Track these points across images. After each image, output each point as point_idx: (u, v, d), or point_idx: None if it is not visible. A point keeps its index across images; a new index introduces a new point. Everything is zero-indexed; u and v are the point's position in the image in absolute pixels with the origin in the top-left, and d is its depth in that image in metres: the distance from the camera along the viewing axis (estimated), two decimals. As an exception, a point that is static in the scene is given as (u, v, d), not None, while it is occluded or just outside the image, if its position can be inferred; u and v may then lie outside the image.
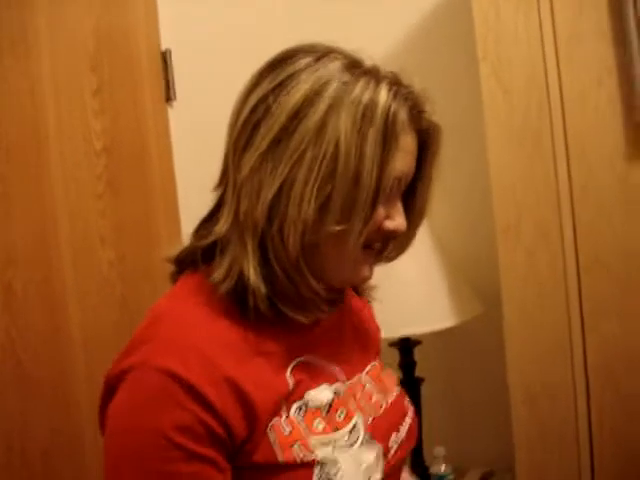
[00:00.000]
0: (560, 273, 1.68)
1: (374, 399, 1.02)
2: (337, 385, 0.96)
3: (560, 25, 1.63)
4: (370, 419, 0.98)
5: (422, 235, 1.92)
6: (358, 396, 0.99)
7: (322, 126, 0.84)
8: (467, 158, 2.01)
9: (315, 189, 0.84)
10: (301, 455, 0.87)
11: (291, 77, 0.87)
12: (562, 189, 1.65)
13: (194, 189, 1.91)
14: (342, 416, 0.94)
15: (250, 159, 0.87)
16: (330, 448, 0.89)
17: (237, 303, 0.89)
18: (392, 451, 0.99)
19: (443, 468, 1.97)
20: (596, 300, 1.68)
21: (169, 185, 1.85)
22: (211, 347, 0.85)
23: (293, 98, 0.86)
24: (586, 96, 1.62)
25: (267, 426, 0.86)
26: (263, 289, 0.87)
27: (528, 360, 1.78)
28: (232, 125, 0.92)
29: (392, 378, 1.10)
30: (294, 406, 0.90)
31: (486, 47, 1.67)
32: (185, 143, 1.91)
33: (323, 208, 0.85)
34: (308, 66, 0.88)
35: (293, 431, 0.88)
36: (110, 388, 0.86)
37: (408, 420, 1.06)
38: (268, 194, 0.85)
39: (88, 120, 1.68)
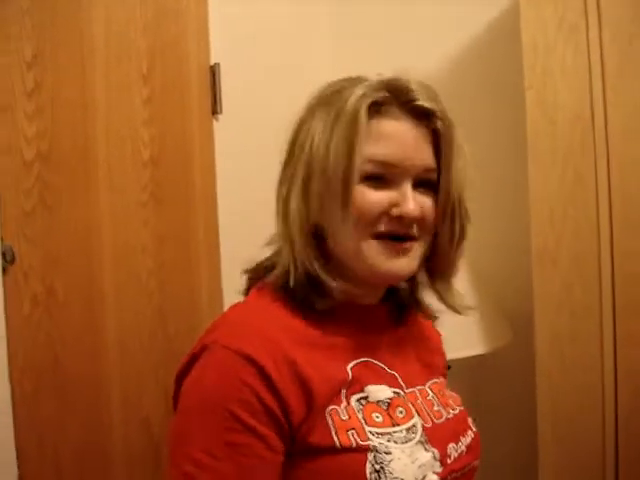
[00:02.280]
0: (596, 305, 1.68)
1: (435, 408, 1.05)
2: (397, 389, 1.01)
3: (608, 58, 1.64)
4: (429, 424, 1.01)
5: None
6: (419, 402, 1.03)
7: (304, 139, 0.97)
8: (507, 183, 2.02)
9: (299, 189, 0.97)
10: (356, 440, 0.92)
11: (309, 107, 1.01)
12: (602, 222, 1.65)
13: (235, 202, 1.95)
14: (402, 414, 0.98)
15: (281, 173, 1.02)
16: (385, 439, 0.94)
17: (297, 298, 0.98)
18: (450, 459, 1.01)
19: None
20: (630, 335, 1.68)
21: (210, 197, 1.88)
22: (274, 329, 0.93)
23: (296, 122, 1.01)
24: (631, 130, 1.62)
25: (325, 410, 0.92)
26: (293, 281, 0.96)
27: (558, 391, 1.77)
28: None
29: (456, 399, 1.12)
30: (354, 397, 0.95)
31: (533, 76, 1.68)
32: (228, 156, 1.94)
33: (308, 205, 0.96)
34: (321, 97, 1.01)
35: (350, 419, 0.93)
36: (185, 367, 0.95)
37: (470, 434, 1.08)
38: (280, 203, 0.99)
39: (137, 129, 1.71)
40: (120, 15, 1.70)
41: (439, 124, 0.98)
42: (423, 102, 0.97)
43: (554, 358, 1.75)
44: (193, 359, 0.94)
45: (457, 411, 1.08)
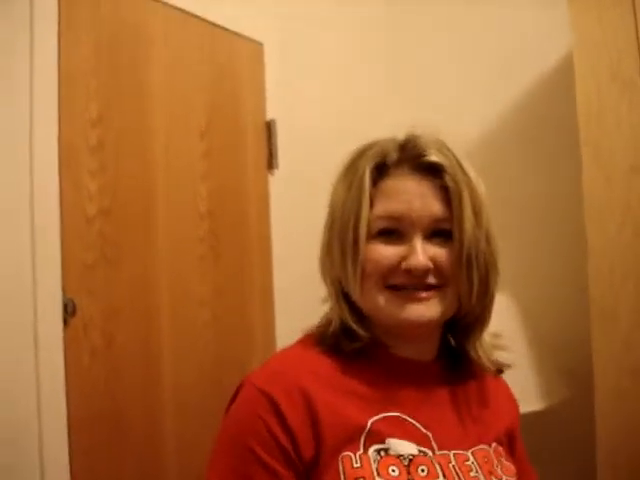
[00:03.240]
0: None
1: (472, 474, 1.01)
2: (425, 449, 0.98)
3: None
4: None
5: (511, 313, 1.94)
6: (451, 465, 0.99)
7: (332, 201, 1.03)
8: (565, 240, 2.00)
9: (325, 248, 1.04)
10: None
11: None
12: (662, 279, 1.62)
13: (289, 256, 1.97)
14: (424, 473, 0.95)
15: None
16: None
17: (328, 343, 1.02)
18: None
19: None
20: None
21: (265, 251, 1.90)
22: (301, 372, 0.98)
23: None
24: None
25: (339, 455, 0.93)
26: (332, 329, 1.02)
27: (619, 451, 1.73)
28: None
29: (510, 469, 1.08)
30: (373, 447, 0.94)
31: (588, 132, 1.67)
32: (283, 210, 1.96)
33: (331, 263, 1.03)
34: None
35: (362, 467, 0.92)
36: (229, 403, 1.02)
37: None
38: (321, 254, 1.06)
39: (195, 183, 1.75)
40: (179, 73, 1.75)
41: (447, 178, 1.01)
42: (430, 157, 1.01)
43: (614, 417, 1.71)
44: (235, 396, 1.01)
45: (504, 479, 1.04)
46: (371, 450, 0.94)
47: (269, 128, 1.97)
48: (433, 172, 1.01)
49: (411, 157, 1.02)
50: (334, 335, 1.02)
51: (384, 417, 0.97)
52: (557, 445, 2.15)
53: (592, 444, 1.74)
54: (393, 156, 1.02)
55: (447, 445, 1.01)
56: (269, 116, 1.98)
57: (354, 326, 1.01)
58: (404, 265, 0.99)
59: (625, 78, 1.67)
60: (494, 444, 1.08)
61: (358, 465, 0.92)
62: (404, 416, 0.99)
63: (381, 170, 1.01)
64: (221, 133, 1.83)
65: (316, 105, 2.09)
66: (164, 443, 1.65)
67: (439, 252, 1.00)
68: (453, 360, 1.09)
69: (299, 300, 1.95)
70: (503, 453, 1.08)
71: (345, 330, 1.02)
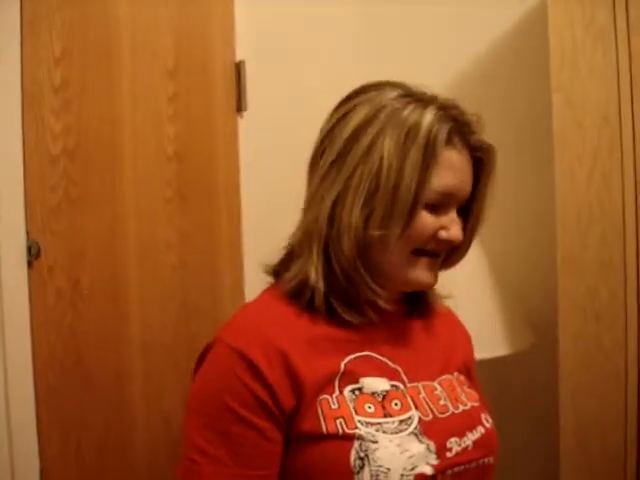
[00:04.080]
0: (621, 310, 1.66)
1: (442, 402, 1.06)
2: (397, 382, 1.03)
3: (637, 59, 1.61)
4: (429, 417, 1.02)
5: (478, 260, 1.95)
6: (421, 396, 1.04)
7: (371, 146, 0.98)
8: (534, 187, 2.01)
9: (362, 201, 0.98)
10: (343, 428, 0.96)
11: (353, 108, 1.02)
12: (629, 227, 1.63)
13: (258, 199, 1.95)
14: (398, 406, 1.01)
15: (316, 178, 1.03)
16: (374, 429, 0.97)
17: (300, 300, 1.02)
18: (451, 452, 1.01)
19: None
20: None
21: (234, 194, 1.88)
22: (271, 327, 0.99)
23: (349, 125, 1.01)
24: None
25: (317, 400, 0.97)
26: (322, 287, 1.00)
27: (581, 394, 1.76)
28: (311, 155, 1.07)
29: (472, 395, 1.12)
30: (348, 387, 0.99)
31: (560, 79, 1.66)
32: (252, 153, 1.94)
33: (368, 216, 0.98)
34: (367, 99, 1.02)
35: (340, 407, 0.97)
36: (197, 363, 1.03)
37: (481, 430, 1.08)
38: (328, 203, 1.00)
39: (163, 124, 1.72)
40: (146, 13, 1.71)
41: (486, 158, 1.04)
42: (480, 137, 1.03)
43: (577, 362, 1.73)
44: (204, 354, 1.02)
45: (468, 406, 1.09)
46: (346, 391, 0.99)
47: (238, 70, 1.93)
48: (474, 149, 1.03)
49: (464, 131, 1.02)
50: (309, 292, 1.00)
51: (356, 357, 1.02)
52: (521, 390, 2.18)
53: (555, 389, 1.77)
54: (451, 124, 1.00)
55: (416, 377, 1.06)
56: (239, 57, 1.93)
57: (372, 285, 1.01)
58: (444, 235, 1.02)
59: (599, 24, 1.65)
60: (456, 373, 1.14)
61: (336, 406, 0.97)
62: (374, 354, 1.04)
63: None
64: (189, 74, 1.79)
65: (287, 47, 2.05)
66: (131, 382, 1.66)
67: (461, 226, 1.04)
68: (411, 299, 1.14)
69: (268, 245, 1.95)
70: (465, 381, 1.14)
71: (339, 290, 1.01)
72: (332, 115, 1.05)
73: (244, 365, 0.94)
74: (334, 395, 0.98)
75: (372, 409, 0.99)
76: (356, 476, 0.94)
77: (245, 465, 0.94)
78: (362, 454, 0.95)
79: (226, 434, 0.95)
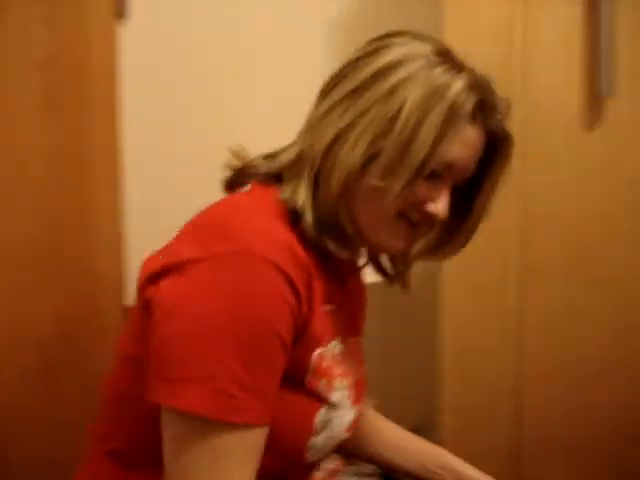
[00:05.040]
0: (501, 228, 1.68)
1: (354, 366, 1.07)
2: (341, 343, 1.03)
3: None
4: (353, 382, 1.05)
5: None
6: (351, 352, 1.07)
7: (393, 90, 0.93)
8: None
9: (368, 140, 0.92)
10: (322, 390, 0.95)
11: (385, 46, 0.97)
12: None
13: (142, 113, 1.84)
14: (346, 370, 1.02)
15: (326, 104, 0.98)
16: (340, 395, 0.98)
17: (297, 226, 0.95)
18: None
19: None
20: (537, 262, 1.69)
21: (111, 107, 1.76)
22: (296, 247, 0.90)
23: (378, 61, 0.96)
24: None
25: (313, 349, 0.93)
26: (309, 216, 0.94)
27: (462, 320, 1.78)
28: (327, 81, 1.02)
29: (363, 366, 1.15)
30: (331, 343, 0.99)
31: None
32: (135, 65, 1.81)
33: (370, 160, 0.93)
34: (403, 42, 0.98)
35: (328, 368, 0.96)
36: (167, 270, 0.88)
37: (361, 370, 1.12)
38: (329, 133, 0.94)
39: (31, 27, 1.58)
40: None
41: (502, 147, 1.00)
42: (503, 122, 0.99)
43: (459, 285, 1.75)
44: (180, 264, 0.87)
45: (360, 376, 1.11)
46: (329, 346, 0.98)
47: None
48: (493, 133, 0.99)
49: (488, 111, 0.97)
50: (319, 228, 0.95)
51: (331, 309, 1.00)
52: (402, 315, 2.19)
53: (436, 315, 1.78)
54: (478, 97, 0.96)
55: (349, 333, 1.08)
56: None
57: (347, 226, 0.97)
58: (432, 207, 0.97)
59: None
60: (358, 337, 1.16)
61: (326, 364, 0.96)
62: (338, 308, 1.02)
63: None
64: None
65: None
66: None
67: (448, 205, 0.99)
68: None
69: (151, 161, 1.85)
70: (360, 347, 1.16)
71: (325, 223, 0.96)
72: (362, 47, 1.00)
73: (290, 290, 0.86)
74: (327, 349, 0.96)
75: (340, 370, 0.99)
76: (313, 437, 0.93)
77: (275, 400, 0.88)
78: (326, 418, 0.95)
79: (273, 366, 0.86)
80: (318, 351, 0.94)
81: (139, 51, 1.84)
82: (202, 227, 0.93)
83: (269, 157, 1.04)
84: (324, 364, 0.95)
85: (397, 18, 1.99)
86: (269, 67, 2.01)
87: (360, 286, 1.19)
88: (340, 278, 1.05)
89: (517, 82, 1.71)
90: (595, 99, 1.71)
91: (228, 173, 1.06)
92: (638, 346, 1.86)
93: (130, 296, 1.79)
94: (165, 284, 0.87)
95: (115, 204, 1.76)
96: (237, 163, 1.04)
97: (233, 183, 1.06)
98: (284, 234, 0.91)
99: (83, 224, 1.70)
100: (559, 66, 1.70)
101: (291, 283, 0.86)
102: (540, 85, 1.72)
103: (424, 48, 0.97)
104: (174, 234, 0.97)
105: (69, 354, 1.65)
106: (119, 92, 1.77)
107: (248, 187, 1.05)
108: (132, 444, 0.95)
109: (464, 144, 0.96)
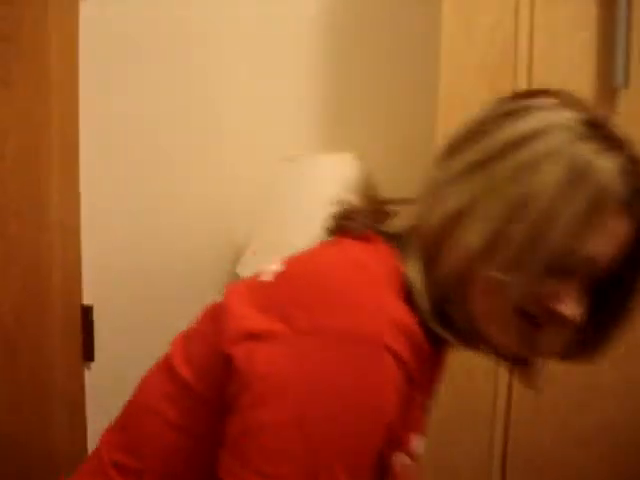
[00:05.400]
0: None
1: None
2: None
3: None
4: None
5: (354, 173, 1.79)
6: None
7: (528, 167, 0.79)
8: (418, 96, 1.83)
9: (493, 224, 0.79)
10: None
11: (523, 109, 0.83)
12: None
13: (101, 91, 1.69)
14: None
15: (450, 169, 0.84)
16: None
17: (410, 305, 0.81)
18: None
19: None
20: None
21: (69, 85, 1.65)
22: (423, 340, 0.79)
23: (514, 128, 0.81)
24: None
25: (392, 452, 0.83)
26: (426, 304, 0.82)
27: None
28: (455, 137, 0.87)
29: None
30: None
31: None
32: (94, 43, 1.68)
33: (490, 246, 0.79)
34: (546, 107, 0.83)
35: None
36: (268, 336, 0.77)
37: None
38: (450, 207, 0.81)
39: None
40: None
41: None
42: None
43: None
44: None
45: None
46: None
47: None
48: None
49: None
50: (430, 315, 0.81)
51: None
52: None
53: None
54: (634, 185, 0.79)
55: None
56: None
57: (422, 291, 0.82)
58: (557, 306, 0.80)
59: None
60: None
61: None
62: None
63: None
64: None
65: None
66: None
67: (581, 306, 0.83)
68: None
69: (109, 152, 1.71)
70: None
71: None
72: (499, 103, 0.85)
73: (407, 388, 0.77)
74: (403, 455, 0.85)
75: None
76: None
77: None
78: None
79: (370, 454, 0.76)
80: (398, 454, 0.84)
81: (99, 26, 1.70)
82: (316, 287, 0.79)
83: (380, 211, 0.90)
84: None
85: (383, 15, 1.87)
86: (250, 65, 1.86)
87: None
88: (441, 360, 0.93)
89: (523, 76, 1.60)
90: (609, 91, 1.60)
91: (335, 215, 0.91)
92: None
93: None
94: (265, 352, 0.76)
95: (71, 188, 1.66)
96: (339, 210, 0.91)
97: (342, 226, 0.90)
98: (414, 324, 0.78)
99: (33, 208, 1.60)
100: (572, 58, 1.60)
101: (410, 382, 0.77)
102: (551, 77, 1.61)
103: (571, 115, 0.81)
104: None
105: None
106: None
107: (363, 236, 0.88)
108: (143, 464, 0.84)
109: (612, 239, 0.80)
